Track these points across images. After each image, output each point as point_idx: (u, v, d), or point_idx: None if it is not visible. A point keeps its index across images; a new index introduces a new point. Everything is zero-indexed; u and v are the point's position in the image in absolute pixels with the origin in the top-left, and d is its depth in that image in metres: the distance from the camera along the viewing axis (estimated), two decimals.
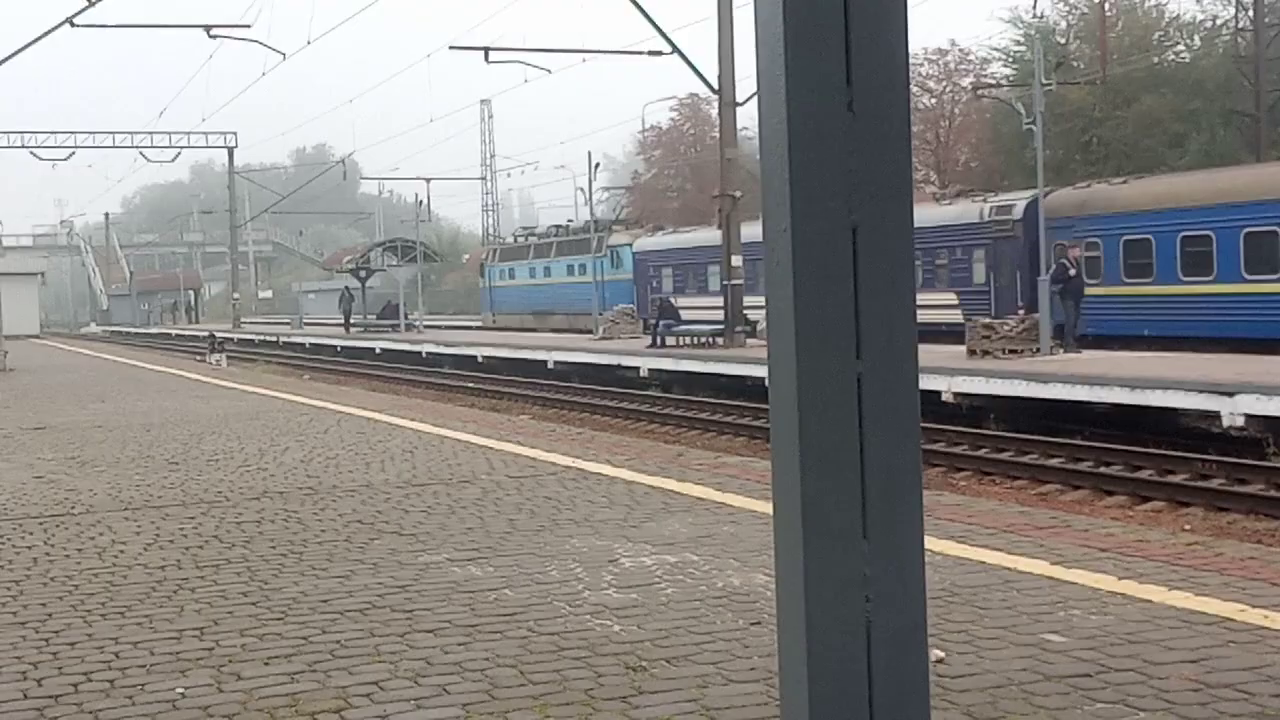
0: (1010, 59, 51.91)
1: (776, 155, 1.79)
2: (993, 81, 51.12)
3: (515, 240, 60.56)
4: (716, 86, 30.50)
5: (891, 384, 1.80)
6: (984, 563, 6.53)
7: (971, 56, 58.63)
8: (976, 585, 6.06)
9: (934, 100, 61.81)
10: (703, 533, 7.54)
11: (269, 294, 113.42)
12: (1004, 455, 17.41)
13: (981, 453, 17.79)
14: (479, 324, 58.54)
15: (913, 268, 1.83)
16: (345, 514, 8.60)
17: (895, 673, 1.74)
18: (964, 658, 4.98)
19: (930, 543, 6.70)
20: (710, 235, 39.78)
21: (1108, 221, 27.99)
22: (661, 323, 33.53)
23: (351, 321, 54.96)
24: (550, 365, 34.11)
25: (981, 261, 32.35)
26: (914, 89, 60.49)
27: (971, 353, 23.11)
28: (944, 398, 20.60)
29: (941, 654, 4.94)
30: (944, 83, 61.33)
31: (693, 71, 31.03)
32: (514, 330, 49.70)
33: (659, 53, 31.31)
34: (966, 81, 57.26)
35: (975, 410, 20.39)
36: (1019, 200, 31.33)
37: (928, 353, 22.85)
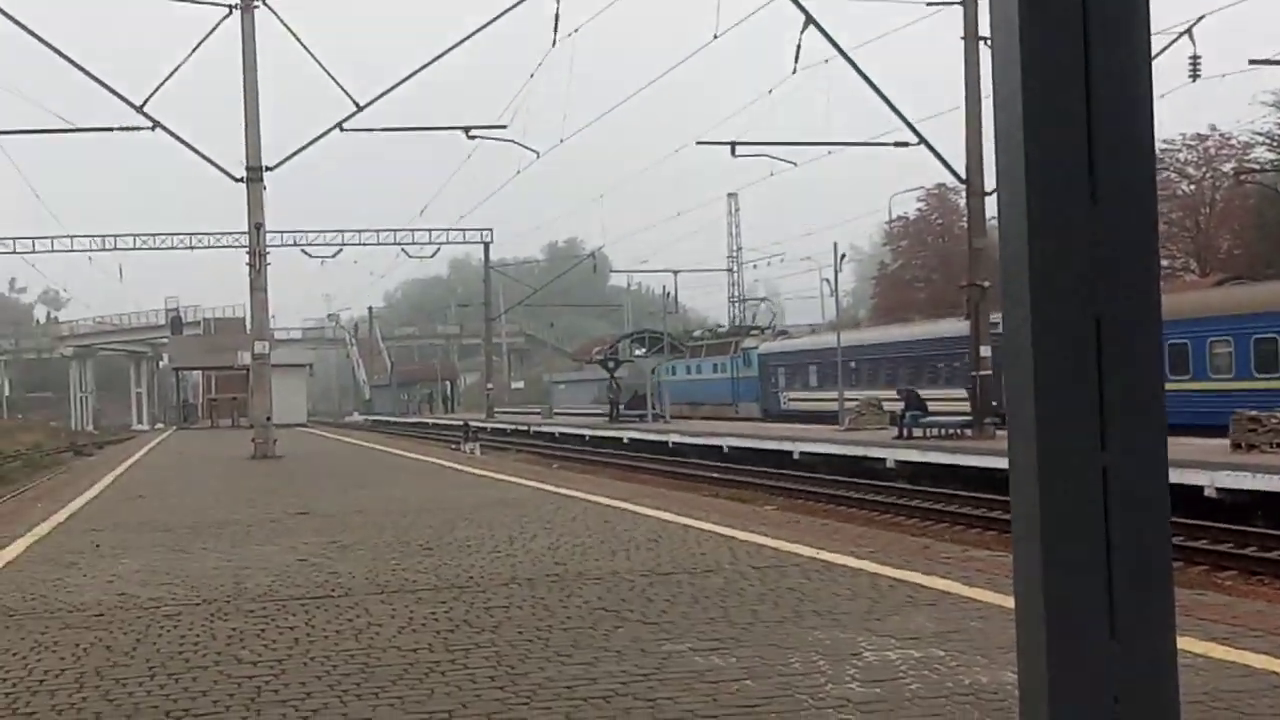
0: (1274, 143, 49.81)
1: (1016, 245, 1.77)
2: (1257, 166, 49.07)
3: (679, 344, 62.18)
4: (964, 176, 30.19)
5: (1140, 477, 1.75)
6: (1250, 666, 6.17)
7: (1233, 141, 56.49)
8: (1241, 690, 5.73)
9: (1193, 187, 59.70)
10: (950, 628, 7.36)
11: (521, 384, 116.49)
12: (1273, 554, 16.48)
13: (1248, 551, 16.88)
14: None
15: (1160, 359, 1.78)
16: (590, 601, 8.70)
17: None
18: None
19: (1189, 644, 6.38)
20: (814, 340, 49.74)
21: None
22: (908, 414, 33.07)
23: (619, 413, 55.50)
24: (796, 456, 33.98)
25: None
26: (1172, 175, 58.60)
27: (1236, 446, 22.06)
28: (1206, 493, 19.67)
29: None
30: (1203, 168, 59.22)
31: (940, 162, 30.81)
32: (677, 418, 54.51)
33: (905, 144, 31.23)
34: (1228, 167, 55.17)
35: (1240, 507, 19.39)
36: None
37: (1188, 446, 21.89)
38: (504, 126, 36.50)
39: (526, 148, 37.68)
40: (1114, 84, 1.74)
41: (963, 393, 34.14)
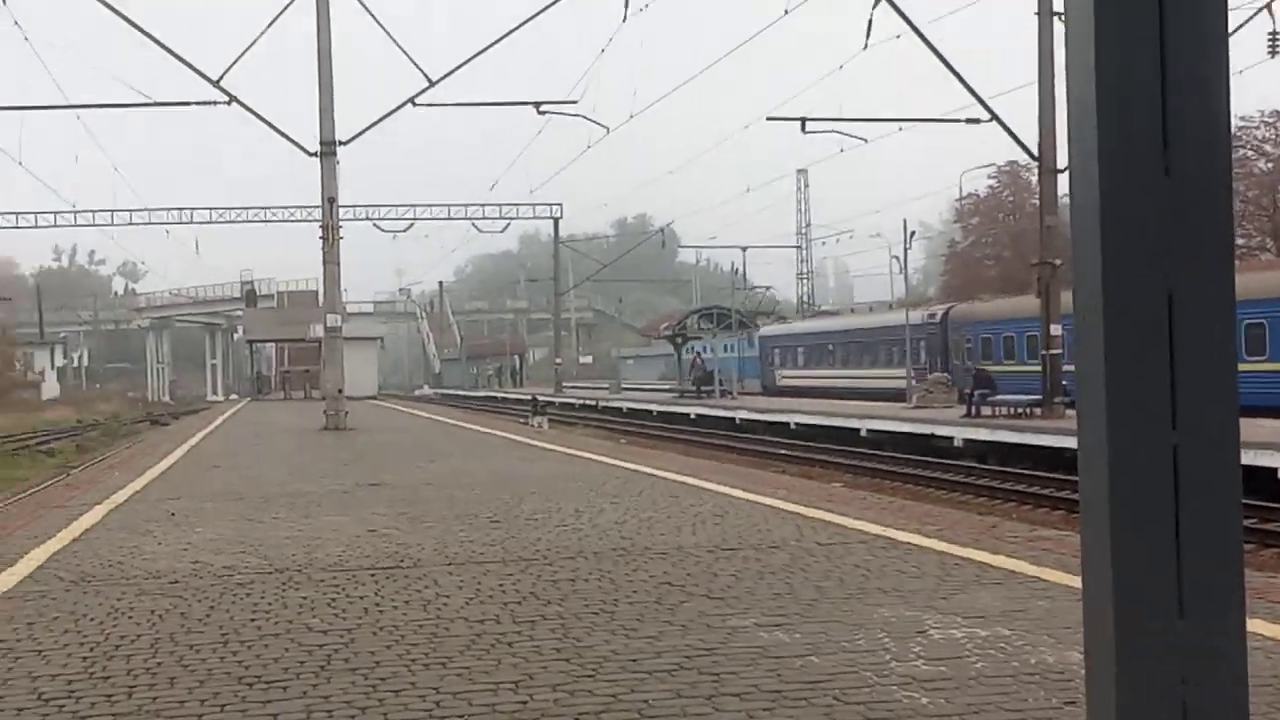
0: None
1: (1088, 221, 1.76)
2: None
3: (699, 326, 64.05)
4: (1036, 153, 29.84)
5: (1210, 457, 1.73)
6: None
7: None
8: None
9: (1270, 165, 58.59)
10: (1016, 607, 7.31)
11: (589, 359, 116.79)
12: None
13: None
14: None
15: (1233, 336, 1.76)
16: (656, 575, 8.73)
17: None
18: None
19: (1263, 627, 6.29)
20: (805, 325, 58.52)
21: None
22: (977, 392, 32.83)
23: (699, 390, 55.17)
24: (863, 433, 33.85)
25: (922, 349, 49.83)
26: (1248, 153, 57.56)
27: None
28: None
29: None
30: None
31: (1012, 139, 30.47)
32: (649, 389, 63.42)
33: (977, 120, 30.91)
34: None
35: None
36: (939, 310, 52.62)
37: (1259, 427, 21.53)
38: (574, 102, 36.57)
39: (596, 123, 37.71)
40: (1188, 58, 1.72)
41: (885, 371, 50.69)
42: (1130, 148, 1.72)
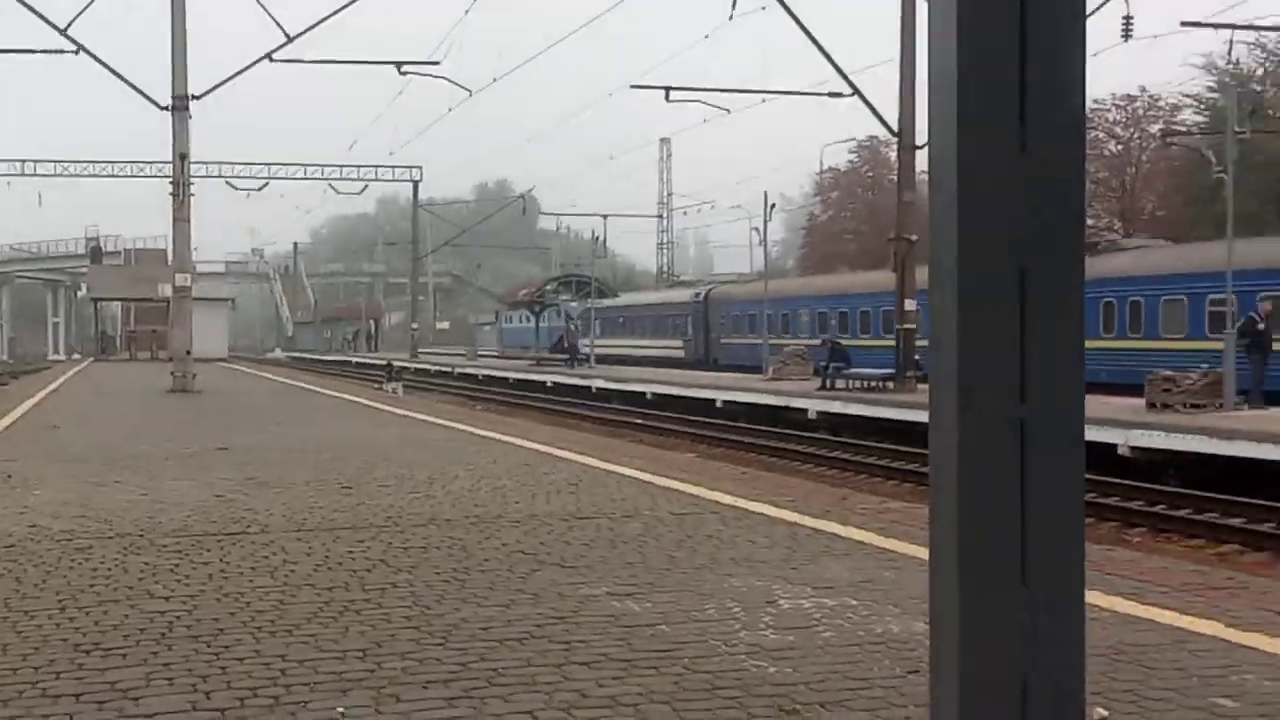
0: (1202, 106, 50.37)
1: (945, 195, 1.76)
2: (1183, 129, 49.63)
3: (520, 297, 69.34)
4: (896, 129, 30.28)
5: (1056, 430, 1.75)
6: (1155, 621, 6.30)
7: (1162, 103, 57.11)
8: (1146, 644, 5.85)
9: (1120, 147, 60.39)
10: (864, 577, 7.44)
11: (446, 325, 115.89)
12: (1181, 512, 16.84)
13: (1158, 509, 17.23)
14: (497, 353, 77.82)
15: (1082, 314, 1.78)
16: (509, 544, 8.70)
17: None
18: (1129, 719, 4.81)
19: (1099, 599, 6.50)
20: (614, 300, 61.83)
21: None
22: (832, 365, 33.31)
23: (574, 357, 54.71)
24: (719, 404, 34.13)
25: (689, 323, 58.07)
26: (1100, 135, 59.23)
27: (1151, 406, 22.44)
28: (1120, 451, 20.03)
29: (1105, 713, 4.78)
30: (1132, 129, 59.88)
31: (873, 114, 30.87)
32: (506, 358, 68.45)
33: (839, 94, 31.23)
34: (1155, 128, 55.76)
35: (1152, 465, 19.76)
36: (703, 288, 60.77)
37: (1104, 404, 22.26)
38: (436, 63, 36.08)
39: (459, 85, 37.31)
40: (1047, 35, 1.73)
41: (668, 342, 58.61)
42: (988, 123, 1.73)
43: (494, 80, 40.81)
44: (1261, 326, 23.31)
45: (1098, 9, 24.34)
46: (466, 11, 36.02)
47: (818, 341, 40.20)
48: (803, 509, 10.31)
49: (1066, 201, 1.75)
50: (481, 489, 11.78)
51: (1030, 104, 1.73)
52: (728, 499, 10.91)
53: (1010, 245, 1.73)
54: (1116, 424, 20.40)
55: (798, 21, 29.37)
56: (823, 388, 32.43)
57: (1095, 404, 22.86)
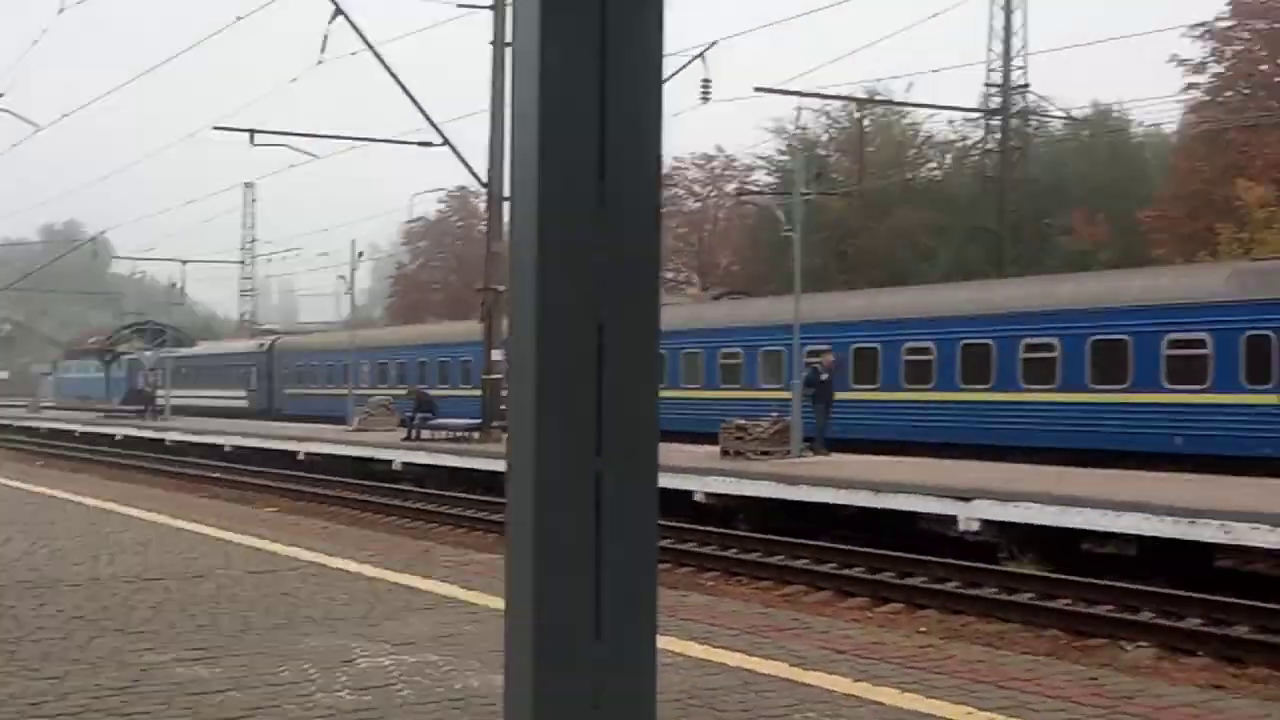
0: (773, 168, 53.62)
1: (525, 247, 1.74)
2: (756, 189, 52.69)
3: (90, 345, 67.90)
4: (485, 180, 30.60)
5: (631, 483, 1.76)
6: (725, 664, 6.54)
7: (737, 163, 60.51)
8: (716, 687, 6.06)
9: (699, 204, 63.48)
10: (445, 632, 7.36)
11: (4, 375, 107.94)
12: (752, 555, 17.66)
13: (730, 553, 18.01)
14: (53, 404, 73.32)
15: (656, 367, 1.80)
16: (66, 610, 8.11)
17: None
18: None
19: (673, 644, 6.69)
20: (185, 350, 58.36)
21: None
22: (418, 415, 33.13)
23: (148, 407, 51.53)
24: (301, 457, 33.30)
25: (254, 374, 58.10)
26: (679, 192, 62.10)
27: (725, 453, 23.49)
28: (696, 498, 20.84)
29: None
30: (709, 187, 63.08)
31: (462, 164, 31.07)
32: (72, 410, 64.13)
33: (429, 144, 31.23)
34: (731, 187, 58.99)
35: (727, 511, 20.67)
36: (269, 339, 61.70)
37: (682, 452, 23.17)
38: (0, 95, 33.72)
39: (24, 120, 34.99)
40: (626, 94, 1.75)
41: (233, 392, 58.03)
42: (568, 177, 1.73)
43: (63, 116, 38.47)
44: (825, 377, 24.85)
45: (678, 72, 25.56)
46: (35, 41, 33.76)
47: (404, 391, 39.99)
48: (384, 563, 10.14)
49: (644, 257, 1.77)
50: (38, 552, 10.96)
51: (610, 160, 1.74)
52: (307, 555, 10.60)
53: (588, 300, 1.73)
54: (693, 472, 21.24)
55: (388, 69, 29.28)
56: (409, 438, 32.21)
57: (674, 452, 23.79)
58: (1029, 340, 25.91)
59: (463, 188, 70.48)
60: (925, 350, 28.04)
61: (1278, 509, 14.21)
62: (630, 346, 1.75)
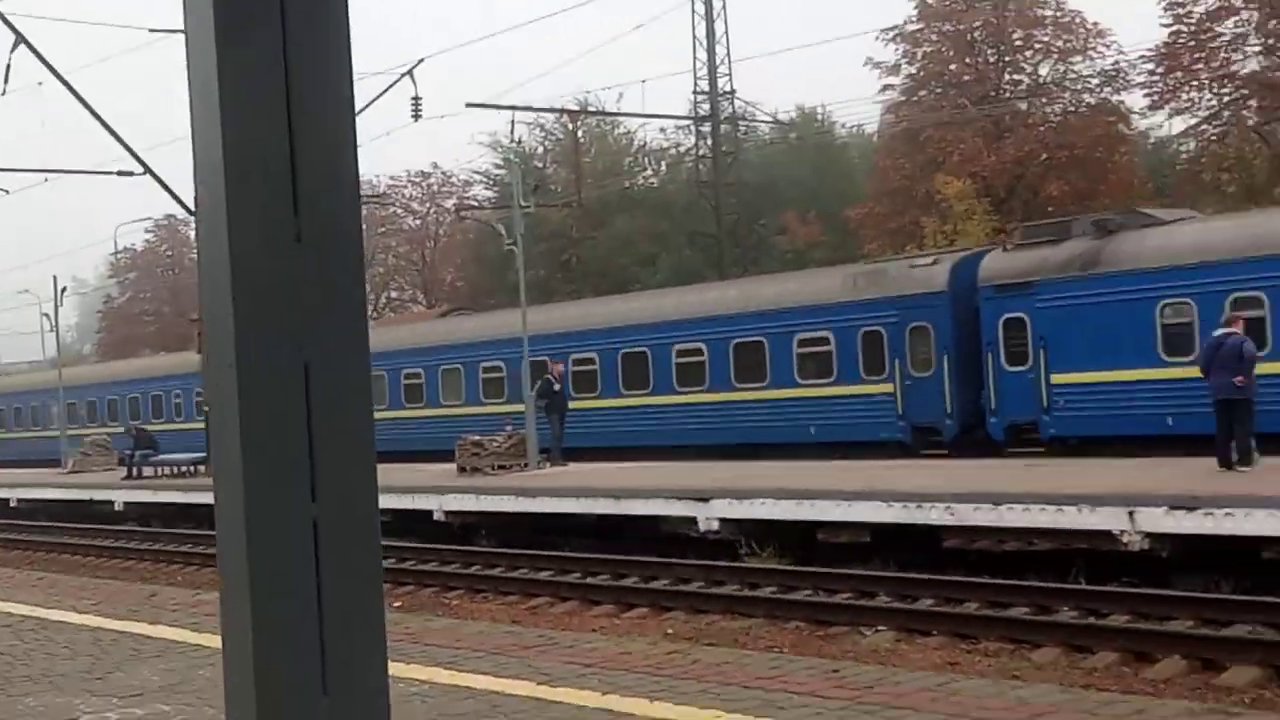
0: (491, 182, 53.54)
1: (219, 289, 1.66)
2: (475, 204, 52.48)
3: None
4: (193, 207, 29.51)
5: (351, 527, 1.70)
6: (472, 689, 6.46)
7: (454, 179, 60.12)
8: (464, 714, 5.98)
9: (419, 222, 62.86)
10: (177, 680, 7.06)
11: None
12: (496, 571, 17.56)
13: (474, 570, 17.86)
14: None
15: (370, 403, 1.74)
16: None
17: None
18: None
19: (419, 672, 6.58)
20: None
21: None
22: (138, 453, 31.80)
23: None
24: (14, 503, 31.51)
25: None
26: (399, 210, 61.36)
27: (462, 470, 23.32)
28: (436, 517, 20.64)
29: None
30: (428, 204, 62.51)
31: (167, 192, 29.89)
32: None
33: (129, 173, 29.92)
34: (450, 203, 58.57)
35: (468, 527, 20.53)
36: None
37: (419, 471, 22.91)
38: None
39: None
40: (318, 124, 1.69)
41: None
42: (261, 215, 1.65)
43: None
44: (558, 388, 24.94)
45: (385, 91, 25.21)
46: None
47: (120, 429, 38.31)
48: (108, 611, 9.68)
49: (347, 292, 1.71)
50: None
51: (303, 194, 1.67)
52: (22, 609, 10.02)
53: (291, 339, 1.65)
54: (431, 490, 21.02)
55: (77, 96, 27.87)
56: (129, 476, 30.89)
57: (411, 471, 23.50)
58: (680, 346, 27.25)
59: (170, 216, 67.97)
60: (590, 360, 28.76)
61: (993, 489, 14.99)
62: (340, 385, 1.68)
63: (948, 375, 22.81)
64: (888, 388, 23.70)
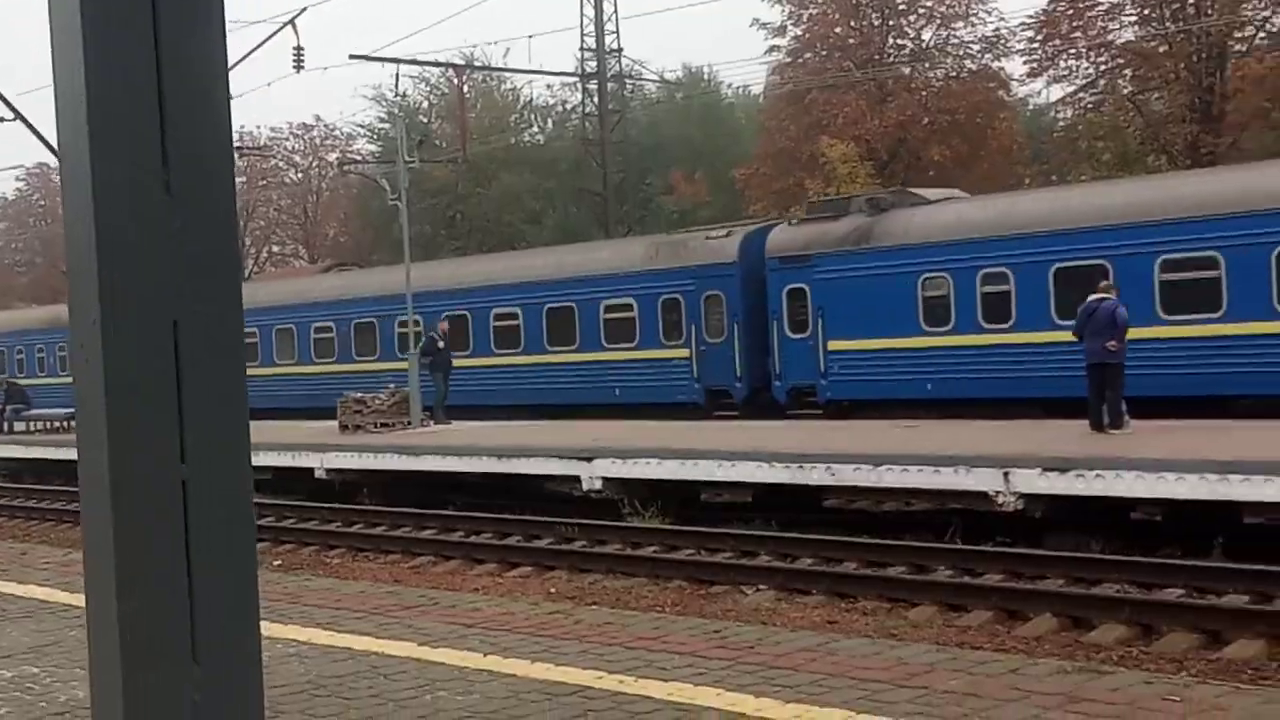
0: (375, 136, 52.76)
1: (83, 242, 1.59)
2: (359, 158, 51.75)
3: None
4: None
5: (222, 489, 1.64)
6: (352, 649, 6.38)
7: (338, 132, 59.18)
8: (343, 675, 5.91)
9: (301, 175, 61.83)
10: (47, 640, 6.89)
11: None
12: (378, 530, 17.42)
13: (355, 529, 17.70)
14: None
15: (243, 362, 1.68)
16: None
17: None
18: None
19: (297, 633, 6.49)
20: None
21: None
22: (9, 407, 31.04)
23: None
24: None
25: None
26: (281, 164, 60.28)
27: (344, 428, 23.08)
28: (317, 475, 20.42)
29: None
30: (310, 158, 61.50)
31: (39, 140, 29.00)
32: None
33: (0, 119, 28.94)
34: (333, 157, 57.68)
35: (349, 486, 20.34)
36: None
37: (298, 429, 22.60)
38: None
39: None
40: (187, 74, 1.62)
41: None
42: (128, 165, 1.58)
43: None
44: (441, 345, 24.76)
45: (267, 40, 24.60)
46: None
47: None
48: None
49: (219, 246, 1.65)
50: None
51: (173, 145, 1.60)
52: None
53: (160, 296, 1.59)
54: (312, 448, 20.77)
55: None
56: (1, 432, 30.15)
57: (291, 429, 23.19)
58: (498, 310, 27.84)
59: (43, 164, 66.14)
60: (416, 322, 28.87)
61: (870, 450, 15.20)
62: (212, 343, 1.63)
63: (737, 342, 23.86)
64: (684, 353, 24.65)
